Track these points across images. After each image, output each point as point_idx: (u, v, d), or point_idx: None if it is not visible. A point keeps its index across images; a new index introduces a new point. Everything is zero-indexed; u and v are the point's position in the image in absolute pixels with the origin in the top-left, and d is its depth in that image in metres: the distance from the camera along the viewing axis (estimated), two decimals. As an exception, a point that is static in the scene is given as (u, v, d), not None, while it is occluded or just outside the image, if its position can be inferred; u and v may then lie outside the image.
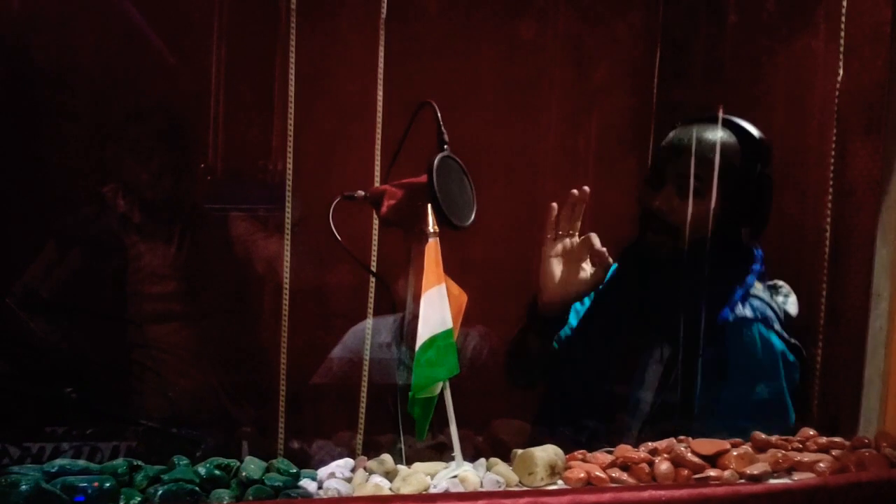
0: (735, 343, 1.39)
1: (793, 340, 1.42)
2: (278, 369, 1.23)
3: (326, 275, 1.74)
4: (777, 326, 1.41)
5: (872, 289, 1.32)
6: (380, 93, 1.30)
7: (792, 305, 1.47)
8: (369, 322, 1.34)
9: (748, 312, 1.41)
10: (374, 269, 1.29)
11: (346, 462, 1.07)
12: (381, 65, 1.28)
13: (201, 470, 0.97)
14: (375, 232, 1.32)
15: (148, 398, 1.69)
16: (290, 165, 1.27)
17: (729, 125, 1.47)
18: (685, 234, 1.43)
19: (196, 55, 1.85)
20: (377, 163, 1.33)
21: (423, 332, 1.05)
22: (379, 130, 1.31)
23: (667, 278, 1.46)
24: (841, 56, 1.47)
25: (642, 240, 1.49)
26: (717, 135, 1.45)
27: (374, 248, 1.31)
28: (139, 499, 0.92)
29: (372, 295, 1.32)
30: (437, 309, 1.06)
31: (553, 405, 1.53)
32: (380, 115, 1.31)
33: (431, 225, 1.10)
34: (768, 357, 1.40)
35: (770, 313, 1.43)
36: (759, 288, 1.46)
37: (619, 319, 1.48)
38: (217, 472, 0.97)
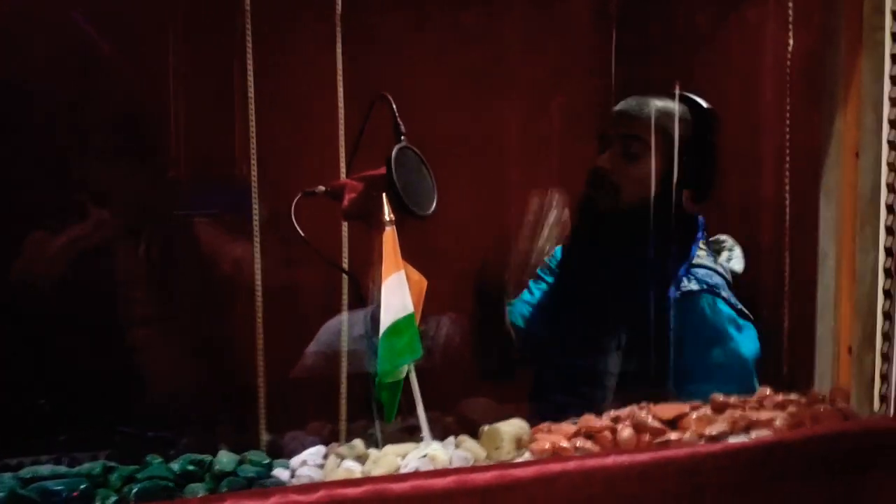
0: (685, 317, 1.44)
1: (739, 306, 1.47)
2: (255, 367, 1.25)
3: (299, 272, 1.76)
4: (724, 293, 1.47)
5: (819, 249, 1.36)
6: (340, 87, 1.31)
7: (737, 261, 1.52)
8: (345, 315, 1.36)
9: (693, 285, 1.46)
10: (346, 264, 1.31)
11: (318, 450, 1.10)
12: (339, 59, 1.29)
13: (175, 466, 0.99)
14: (345, 226, 1.34)
15: (125, 403, 1.70)
16: (253, 165, 1.28)
17: (678, 97, 1.54)
18: (626, 193, 1.49)
19: (152, 60, 1.85)
20: (342, 157, 1.35)
21: (386, 319, 1.08)
22: (342, 124, 1.32)
23: (611, 243, 1.50)
24: (790, 26, 1.51)
25: (585, 198, 1.54)
26: (666, 103, 1.50)
27: (345, 242, 1.32)
28: (115, 498, 0.94)
29: (345, 290, 1.34)
30: (397, 295, 1.09)
31: (539, 382, 1.57)
32: (341, 108, 1.33)
33: (387, 214, 1.12)
34: (719, 326, 1.45)
35: (716, 280, 1.47)
36: (702, 255, 1.51)
37: (574, 291, 1.52)
38: (191, 467, 1.00)
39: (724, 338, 1.45)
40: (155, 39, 1.82)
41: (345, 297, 1.31)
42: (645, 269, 1.46)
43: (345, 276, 1.31)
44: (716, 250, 1.57)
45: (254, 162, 1.25)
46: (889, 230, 1.24)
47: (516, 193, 2.12)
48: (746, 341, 1.47)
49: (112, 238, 1.71)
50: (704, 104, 1.54)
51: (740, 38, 1.96)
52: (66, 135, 1.72)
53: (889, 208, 1.24)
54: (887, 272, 1.25)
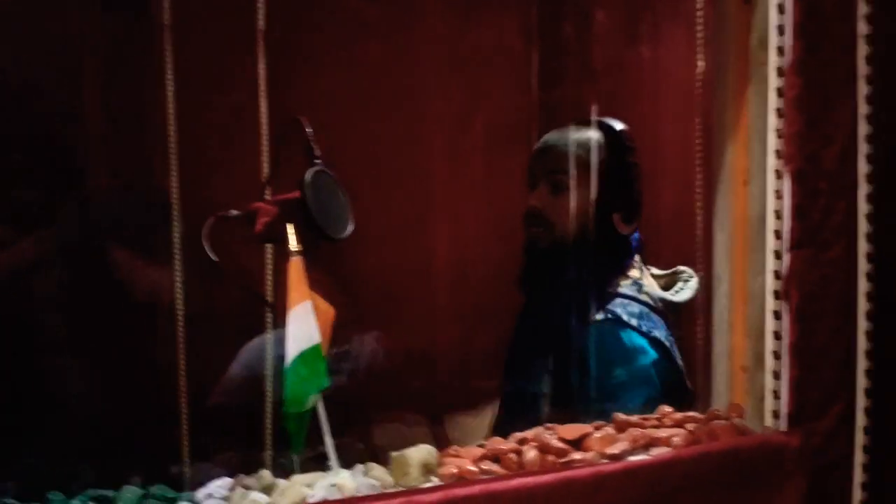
0: (594, 345, 1.50)
1: (653, 334, 1.53)
2: (175, 395, 1.24)
3: (221, 294, 1.74)
4: (634, 322, 1.52)
5: (714, 272, 1.42)
6: (263, 105, 1.31)
7: (686, 292, 1.58)
8: (268, 337, 1.35)
9: (601, 315, 1.53)
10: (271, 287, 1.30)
11: (225, 482, 1.09)
12: (262, 77, 1.29)
13: (75, 503, 0.98)
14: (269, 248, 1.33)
15: (33, 433, 1.65)
16: (174, 184, 1.27)
17: (594, 123, 1.61)
18: (560, 227, 1.56)
19: (69, 75, 1.81)
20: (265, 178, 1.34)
21: (291, 349, 1.09)
22: (265, 143, 1.32)
23: (554, 275, 1.57)
24: (698, 48, 1.57)
25: (526, 238, 1.62)
26: (582, 133, 1.59)
27: (269, 265, 1.32)
28: (8, 540, 0.92)
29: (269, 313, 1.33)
30: (303, 325, 1.10)
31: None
32: (265, 127, 1.33)
33: (293, 243, 1.13)
34: (623, 356, 1.51)
35: (631, 309, 1.53)
36: (625, 282, 1.58)
37: (528, 322, 1.62)
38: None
39: (631, 368, 1.51)
40: (72, 57, 1.79)
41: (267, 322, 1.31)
42: (575, 298, 1.54)
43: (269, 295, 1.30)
44: (670, 281, 1.63)
45: (175, 183, 1.24)
46: (776, 254, 1.31)
47: (438, 213, 2.15)
48: (652, 369, 1.52)
49: (24, 261, 1.67)
50: (619, 126, 1.61)
51: (655, 62, 2.02)
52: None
53: (776, 234, 1.31)
54: (776, 294, 1.31)
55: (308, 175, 1.17)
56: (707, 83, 1.49)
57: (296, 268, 1.12)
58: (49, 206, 1.71)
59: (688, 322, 1.60)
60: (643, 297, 1.57)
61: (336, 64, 2.00)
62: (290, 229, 1.14)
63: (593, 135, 1.59)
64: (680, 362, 1.58)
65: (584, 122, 1.62)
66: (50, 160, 1.74)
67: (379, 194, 1.95)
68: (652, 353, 1.54)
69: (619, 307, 1.56)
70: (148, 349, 1.74)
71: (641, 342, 1.54)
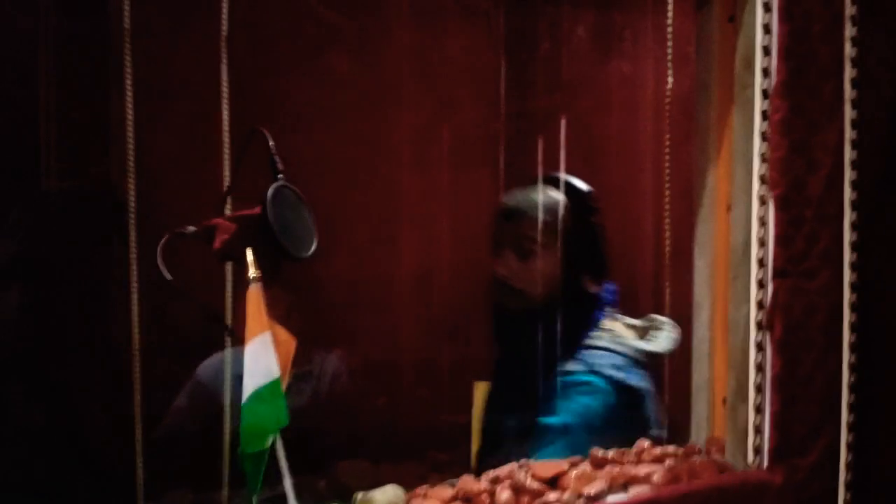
0: (565, 400, 1.48)
1: (629, 383, 1.49)
2: (124, 425, 1.16)
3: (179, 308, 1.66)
4: (608, 371, 1.49)
5: (693, 299, 1.37)
6: (225, 113, 1.24)
7: (662, 341, 1.53)
8: (226, 359, 1.28)
9: (576, 366, 1.50)
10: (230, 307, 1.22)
11: (174, 527, 1.01)
12: (224, 83, 1.22)
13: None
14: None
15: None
16: (131, 192, 1.19)
17: (553, 183, 1.58)
18: (529, 292, 1.54)
19: (24, 76, 1.73)
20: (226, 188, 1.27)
21: (248, 385, 1.01)
22: (227, 152, 1.25)
23: (525, 337, 1.54)
24: (669, 65, 1.52)
25: (494, 305, 1.59)
26: (546, 195, 1.56)
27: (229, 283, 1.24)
28: None
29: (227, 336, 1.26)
30: (261, 359, 1.02)
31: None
32: (226, 135, 1.26)
33: (252, 270, 1.05)
34: (595, 410, 1.47)
35: (608, 360, 1.49)
36: (601, 334, 1.55)
37: (503, 383, 1.61)
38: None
39: (603, 419, 1.47)
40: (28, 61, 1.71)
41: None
42: (547, 357, 1.51)
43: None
44: (643, 328, 1.58)
45: (132, 191, 1.16)
46: (760, 284, 1.26)
47: (405, 225, 2.10)
48: (625, 417, 1.48)
49: None
50: (583, 187, 1.58)
51: (623, 76, 1.99)
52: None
53: (760, 262, 1.26)
54: (759, 325, 1.26)
55: (270, 191, 1.10)
56: (689, 104, 1.45)
57: (254, 297, 1.04)
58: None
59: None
60: (621, 349, 1.54)
61: (302, 74, 1.95)
62: (249, 254, 1.06)
63: (558, 198, 1.56)
64: (653, 414, 1.53)
65: (548, 181, 1.58)
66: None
67: (345, 207, 1.90)
68: (611, 399, 1.49)
69: (598, 358, 1.52)
70: (94, 369, 1.65)
71: (609, 395, 1.50)
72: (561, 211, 1.54)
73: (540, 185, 1.57)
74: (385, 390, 2.01)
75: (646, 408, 1.52)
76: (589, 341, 1.54)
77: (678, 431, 1.44)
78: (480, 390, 1.64)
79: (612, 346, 1.53)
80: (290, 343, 1.09)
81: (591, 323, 1.56)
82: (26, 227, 1.65)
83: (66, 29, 1.73)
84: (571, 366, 1.51)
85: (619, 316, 1.61)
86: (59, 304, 1.68)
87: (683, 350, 1.42)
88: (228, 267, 1.23)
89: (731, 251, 1.30)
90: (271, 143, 1.14)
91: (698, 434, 1.37)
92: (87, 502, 1.21)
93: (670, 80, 1.43)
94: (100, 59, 1.68)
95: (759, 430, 1.27)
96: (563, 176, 1.58)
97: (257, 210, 1.09)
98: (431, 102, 2.12)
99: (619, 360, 1.52)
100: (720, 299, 1.33)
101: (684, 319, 1.43)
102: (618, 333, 1.56)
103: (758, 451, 1.28)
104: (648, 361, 1.55)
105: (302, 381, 1.76)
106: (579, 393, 1.48)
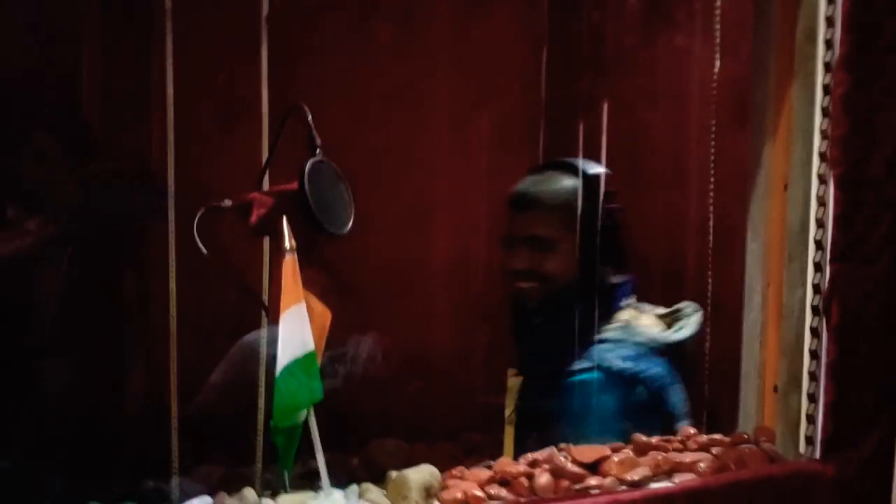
0: (579, 395, 1.44)
1: (642, 374, 1.44)
2: (169, 391, 1.14)
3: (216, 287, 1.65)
4: (617, 364, 1.44)
5: (745, 283, 1.31)
6: (264, 93, 1.22)
7: (687, 329, 1.48)
8: (262, 338, 1.25)
9: (586, 364, 1.45)
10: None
11: (204, 501, 0.99)
12: (264, 64, 1.20)
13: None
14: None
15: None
16: (170, 171, 1.17)
17: (569, 169, 1.51)
18: (546, 284, 1.48)
19: (69, 59, 1.72)
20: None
21: (283, 357, 0.98)
22: (265, 133, 1.22)
23: (536, 332, 1.51)
24: (717, 48, 1.48)
25: (511, 298, 1.54)
26: (559, 184, 1.50)
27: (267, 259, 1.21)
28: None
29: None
30: (296, 330, 0.99)
31: None
32: (265, 116, 1.23)
33: (287, 240, 1.02)
34: (609, 402, 1.42)
35: (619, 352, 1.44)
36: (614, 326, 1.49)
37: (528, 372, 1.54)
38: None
39: (617, 412, 1.42)
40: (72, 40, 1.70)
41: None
42: (563, 349, 1.47)
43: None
44: (672, 320, 1.53)
45: (171, 169, 1.14)
46: (817, 266, 1.20)
47: (441, 208, 2.07)
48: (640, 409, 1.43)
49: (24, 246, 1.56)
50: (596, 171, 1.51)
51: (669, 59, 1.94)
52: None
53: (818, 244, 1.20)
54: (815, 309, 1.21)
55: (307, 165, 1.06)
56: (740, 85, 1.40)
57: (290, 267, 1.01)
58: (49, 190, 1.61)
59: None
60: (634, 339, 1.48)
61: (341, 53, 1.91)
62: (286, 225, 1.03)
63: (571, 184, 1.48)
64: (677, 404, 1.47)
65: (561, 168, 1.52)
66: (49, 143, 1.65)
67: (381, 190, 1.87)
68: (622, 392, 1.44)
69: (607, 352, 1.46)
70: (133, 347, 1.64)
71: (621, 382, 1.45)
72: (574, 198, 1.47)
73: (552, 172, 1.52)
74: (419, 373, 1.99)
75: (666, 399, 1.45)
76: (602, 335, 1.48)
77: (723, 420, 1.39)
78: (514, 379, 1.59)
79: (624, 338, 1.48)
80: (326, 316, 1.06)
81: (607, 315, 1.50)
82: (77, 206, 1.64)
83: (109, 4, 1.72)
84: (582, 361, 1.46)
85: (642, 305, 1.55)
86: (102, 281, 1.68)
87: (732, 336, 1.37)
88: (265, 243, 1.21)
89: (787, 232, 1.24)
90: (310, 117, 1.11)
91: (746, 423, 1.32)
92: (123, 473, 1.20)
93: (717, 62, 1.38)
94: (142, 32, 1.66)
95: (811, 420, 1.22)
96: (577, 161, 1.51)
97: (294, 185, 1.07)
98: (470, 85, 2.08)
99: (630, 352, 1.45)
100: (774, 283, 1.27)
101: (734, 305, 1.37)
102: (632, 324, 1.49)
103: (810, 441, 1.22)
104: (674, 351, 1.49)
105: (336, 364, 1.74)
106: (589, 389, 1.43)
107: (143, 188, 1.70)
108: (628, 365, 1.44)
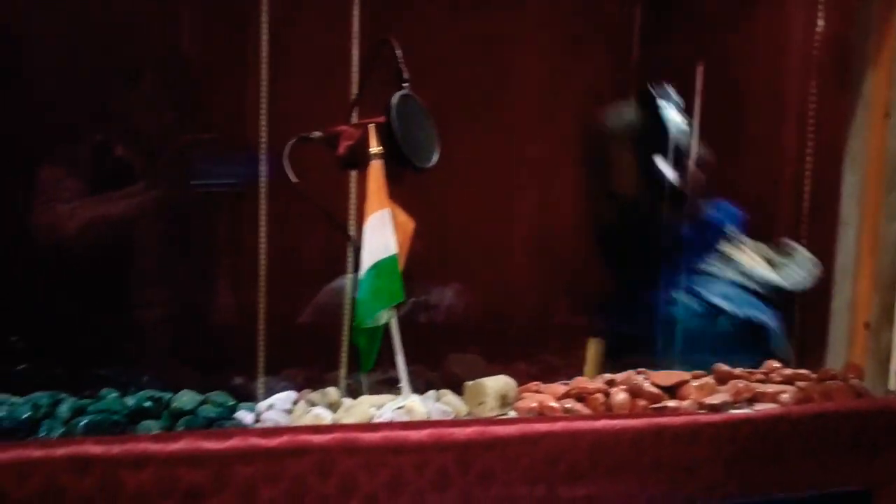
0: (672, 324, 1.43)
1: (741, 315, 1.42)
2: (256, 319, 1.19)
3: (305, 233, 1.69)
4: (704, 294, 1.43)
5: (840, 217, 1.27)
6: (355, 47, 1.24)
7: (788, 276, 1.45)
8: (348, 277, 1.28)
9: (682, 295, 1.44)
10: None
11: (288, 395, 1.03)
12: (356, 17, 1.22)
13: (130, 401, 0.92)
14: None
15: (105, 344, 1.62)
16: (263, 126, 1.21)
17: (648, 97, 1.51)
18: (639, 210, 1.49)
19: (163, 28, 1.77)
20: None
21: (367, 259, 1.00)
22: (355, 86, 1.25)
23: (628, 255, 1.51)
24: (820, 6, 1.43)
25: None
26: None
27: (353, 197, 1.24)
28: (61, 430, 0.87)
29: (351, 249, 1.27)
30: (380, 234, 1.01)
31: None
32: (355, 70, 1.25)
33: (374, 146, 1.04)
34: (701, 336, 1.41)
35: (718, 287, 1.43)
36: (717, 261, 1.48)
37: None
38: (147, 403, 0.93)
39: (708, 336, 1.42)
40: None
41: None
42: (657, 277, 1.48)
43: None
44: (773, 256, 1.51)
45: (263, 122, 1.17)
46: (918, 197, 1.15)
47: (525, 154, 2.06)
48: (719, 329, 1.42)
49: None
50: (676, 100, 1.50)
51: (763, 12, 1.87)
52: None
53: (919, 173, 1.15)
54: (912, 242, 1.16)
55: (395, 98, 1.07)
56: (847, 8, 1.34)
57: (376, 172, 1.03)
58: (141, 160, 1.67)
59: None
60: (737, 277, 1.45)
61: (431, 10, 1.91)
62: (372, 129, 1.04)
63: (662, 114, 1.48)
64: (777, 348, 1.44)
65: (643, 97, 1.51)
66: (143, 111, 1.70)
67: (467, 151, 1.87)
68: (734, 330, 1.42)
69: (707, 286, 1.45)
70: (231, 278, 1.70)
71: (718, 318, 1.43)
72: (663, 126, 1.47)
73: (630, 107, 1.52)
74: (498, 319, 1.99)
75: (764, 342, 1.43)
76: (703, 267, 1.46)
77: (809, 357, 1.35)
78: (593, 347, 1.58)
79: (724, 274, 1.45)
80: (409, 225, 1.08)
81: (706, 248, 1.48)
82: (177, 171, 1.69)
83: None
84: (679, 293, 1.45)
85: (745, 240, 1.51)
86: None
87: (823, 272, 1.33)
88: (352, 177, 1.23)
89: (887, 162, 1.20)
90: (398, 51, 1.12)
91: (835, 360, 1.28)
92: (218, 373, 1.26)
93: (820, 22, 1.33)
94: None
95: (903, 357, 1.18)
96: (661, 90, 1.50)
97: (381, 118, 1.08)
98: (560, 46, 2.05)
99: (731, 290, 1.43)
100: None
101: (826, 240, 1.33)
102: (737, 261, 1.47)
103: (901, 378, 1.18)
104: (774, 293, 1.45)
105: (416, 312, 1.76)
106: (684, 320, 1.42)
107: (240, 156, 1.75)
108: (726, 303, 1.43)
